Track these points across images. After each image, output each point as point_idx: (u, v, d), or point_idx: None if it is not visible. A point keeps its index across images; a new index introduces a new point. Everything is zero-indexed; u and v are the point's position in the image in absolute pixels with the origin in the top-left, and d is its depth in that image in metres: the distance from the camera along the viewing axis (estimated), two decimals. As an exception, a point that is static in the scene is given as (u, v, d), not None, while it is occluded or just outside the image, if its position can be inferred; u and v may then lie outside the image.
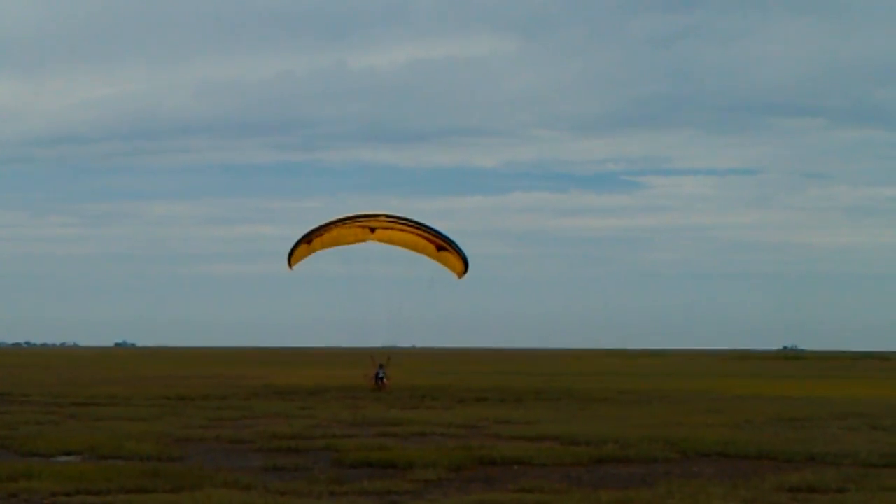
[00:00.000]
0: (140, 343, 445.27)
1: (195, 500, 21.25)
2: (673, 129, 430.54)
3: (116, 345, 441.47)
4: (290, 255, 58.83)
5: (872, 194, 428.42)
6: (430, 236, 57.32)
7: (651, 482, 24.83)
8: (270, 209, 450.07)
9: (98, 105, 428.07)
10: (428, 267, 57.83)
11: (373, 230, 57.35)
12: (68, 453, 29.89)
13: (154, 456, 28.86)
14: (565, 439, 33.29)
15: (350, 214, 57.84)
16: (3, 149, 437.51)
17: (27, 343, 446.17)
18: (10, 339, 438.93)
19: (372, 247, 58.07)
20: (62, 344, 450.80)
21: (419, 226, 57.46)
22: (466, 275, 58.57)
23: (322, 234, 57.89)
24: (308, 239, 58.18)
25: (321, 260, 59.64)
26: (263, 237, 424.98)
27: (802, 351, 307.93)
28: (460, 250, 57.66)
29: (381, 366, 60.97)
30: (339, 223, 57.29)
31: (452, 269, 58.36)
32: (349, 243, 58.08)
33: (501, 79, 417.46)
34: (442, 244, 57.50)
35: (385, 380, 60.78)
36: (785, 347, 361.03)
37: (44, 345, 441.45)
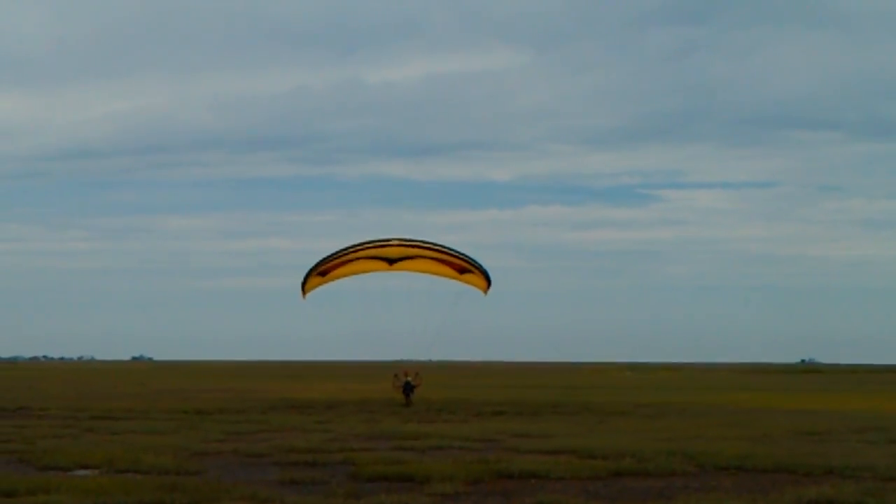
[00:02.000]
0: (157, 357, 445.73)
1: (213, 514, 21.25)
2: (688, 143, 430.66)
3: (133, 359, 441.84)
4: (304, 285, 57.96)
5: (888, 207, 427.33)
6: (451, 259, 56.43)
7: (669, 496, 24.78)
8: (286, 223, 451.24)
9: (113, 120, 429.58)
10: (452, 287, 57.34)
11: (391, 262, 56.16)
12: (86, 467, 29.92)
13: (172, 469, 28.87)
14: (583, 453, 33.21)
15: (363, 241, 56.71)
16: (19, 164, 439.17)
17: (45, 357, 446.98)
18: (28, 353, 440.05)
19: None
20: (79, 358, 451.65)
21: (437, 249, 56.50)
22: (490, 290, 58.29)
23: (338, 267, 56.94)
24: (322, 271, 57.25)
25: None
26: (279, 251, 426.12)
27: (820, 364, 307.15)
28: (482, 268, 57.13)
29: (409, 380, 60.17)
30: (354, 251, 56.14)
31: (478, 287, 57.92)
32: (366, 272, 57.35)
33: (516, 93, 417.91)
34: (464, 266, 56.83)
35: (412, 389, 59.94)
36: (802, 361, 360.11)
37: (61, 359, 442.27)
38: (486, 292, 57.96)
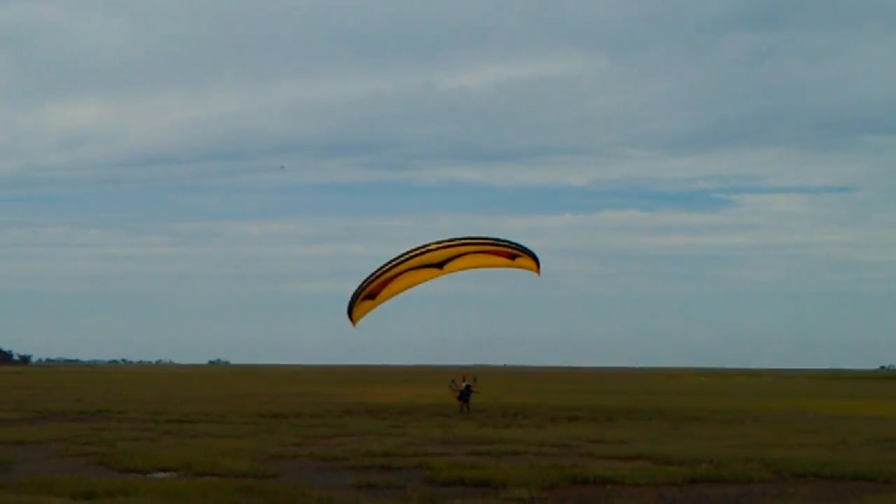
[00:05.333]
0: (234, 361, 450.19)
1: (289, 517, 21.36)
2: (764, 147, 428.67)
3: (210, 363, 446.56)
4: (351, 312, 55.93)
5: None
6: (498, 248, 54.79)
7: (746, 503, 24.55)
8: (361, 228, 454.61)
9: (189, 126, 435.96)
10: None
11: (441, 266, 54.36)
12: (164, 470, 30.19)
13: (249, 473, 29.06)
14: (658, 459, 33.05)
15: (402, 253, 54.43)
16: (97, 170, 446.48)
17: (124, 361, 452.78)
18: (107, 357, 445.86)
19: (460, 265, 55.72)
20: (158, 361, 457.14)
21: (480, 241, 54.91)
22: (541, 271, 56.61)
23: (386, 285, 54.86)
24: (370, 293, 55.18)
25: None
26: (355, 256, 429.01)
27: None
28: (529, 251, 55.45)
29: (467, 385, 59.01)
30: (396, 264, 54.01)
31: (530, 269, 56.39)
32: (417, 284, 55.32)
33: (590, 97, 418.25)
34: (513, 252, 55.18)
35: (470, 395, 58.63)
36: (882, 367, 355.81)
37: (140, 362, 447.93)
38: (538, 273, 56.46)
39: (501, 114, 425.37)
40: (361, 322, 56.71)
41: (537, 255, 55.79)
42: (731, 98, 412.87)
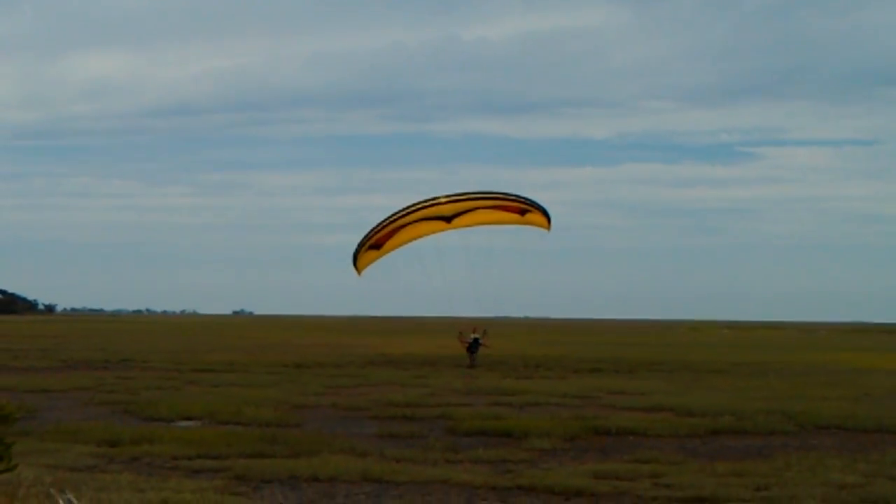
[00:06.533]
0: (257, 311, 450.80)
1: (312, 466, 21.46)
2: (788, 100, 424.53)
3: (234, 313, 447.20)
4: (356, 261, 54.93)
5: None
6: (508, 203, 53.59)
7: (768, 454, 24.58)
8: (383, 180, 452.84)
9: (212, 77, 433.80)
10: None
11: (448, 220, 52.94)
12: (189, 418, 30.41)
13: (272, 422, 29.25)
14: (680, 410, 33.09)
15: (411, 203, 53.26)
16: (120, 120, 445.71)
17: (148, 310, 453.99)
18: (131, 307, 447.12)
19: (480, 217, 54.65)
20: (182, 311, 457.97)
21: (490, 196, 53.70)
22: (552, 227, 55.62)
23: (392, 235, 53.68)
24: (375, 243, 54.12)
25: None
26: (377, 208, 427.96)
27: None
28: (540, 206, 54.38)
29: (476, 338, 57.41)
30: (404, 214, 52.91)
31: (540, 226, 55.44)
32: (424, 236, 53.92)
33: (613, 49, 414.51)
34: (523, 207, 53.76)
35: (478, 348, 57.06)
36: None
37: (164, 312, 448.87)
38: (548, 229, 55.50)
39: (523, 66, 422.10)
40: (372, 272, 56.21)
41: (548, 210, 55.12)
42: (754, 51, 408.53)
